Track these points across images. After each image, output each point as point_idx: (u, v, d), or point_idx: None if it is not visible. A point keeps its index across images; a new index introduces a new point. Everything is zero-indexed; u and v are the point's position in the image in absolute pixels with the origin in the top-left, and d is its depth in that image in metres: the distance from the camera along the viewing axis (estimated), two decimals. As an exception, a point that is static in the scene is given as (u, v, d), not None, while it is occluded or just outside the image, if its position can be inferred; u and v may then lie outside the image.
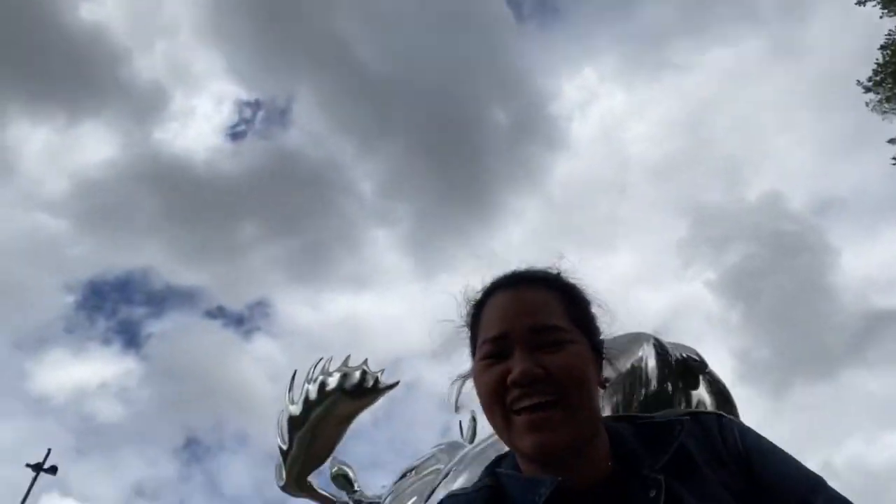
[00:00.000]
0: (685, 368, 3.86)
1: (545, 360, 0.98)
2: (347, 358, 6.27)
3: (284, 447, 6.44)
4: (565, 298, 1.06)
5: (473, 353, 1.10)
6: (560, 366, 0.98)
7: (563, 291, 1.08)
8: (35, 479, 21.66)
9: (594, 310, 1.14)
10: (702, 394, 3.93)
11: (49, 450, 22.96)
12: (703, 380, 3.96)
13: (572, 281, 1.12)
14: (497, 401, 1.00)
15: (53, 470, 22.18)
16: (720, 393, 4.01)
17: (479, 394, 1.05)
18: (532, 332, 0.99)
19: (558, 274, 1.12)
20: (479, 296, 1.11)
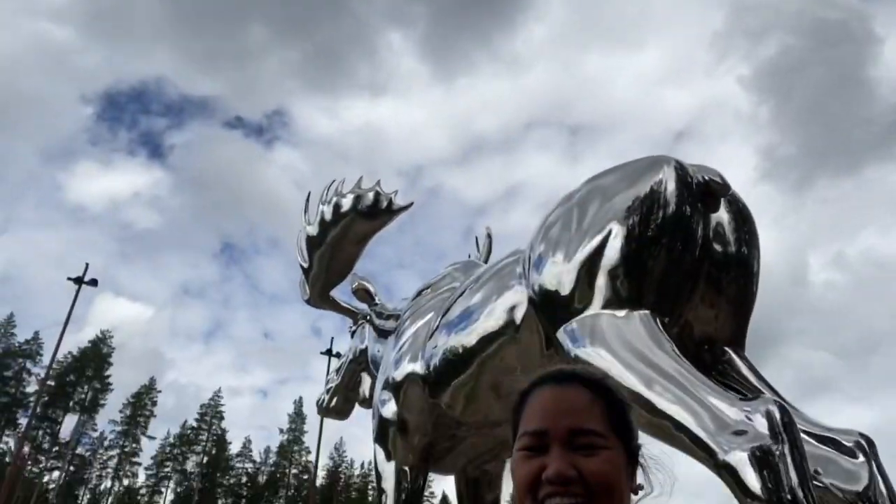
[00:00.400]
0: (707, 190, 3.76)
1: (580, 463, 1.04)
2: (360, 179, 6.20)
3: (305, 265, 6.63)
4: (606, 403, 1.11)
5: (513, 439, 1.17)
6: (593, 471, 1.04)
7: (605, 396, 1.12)
8: (78, 291, 23.18)
9: (633, 416, 1.17)
10: (722, 215, 3.86)
11: (87, 264, 24.24)
12: (725, 201, 3.88)
13: (614, 388, 1.17)
14: (530, 493, 1.07)
15: (94, 283, 23.64)
16: (740, 213, 3.94)
17: (515, 482, 1.13)
18: (570, 433, 1.05)
19: (603, 377, 1.17)
20: (525, 385, 1.18)
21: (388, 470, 5.25)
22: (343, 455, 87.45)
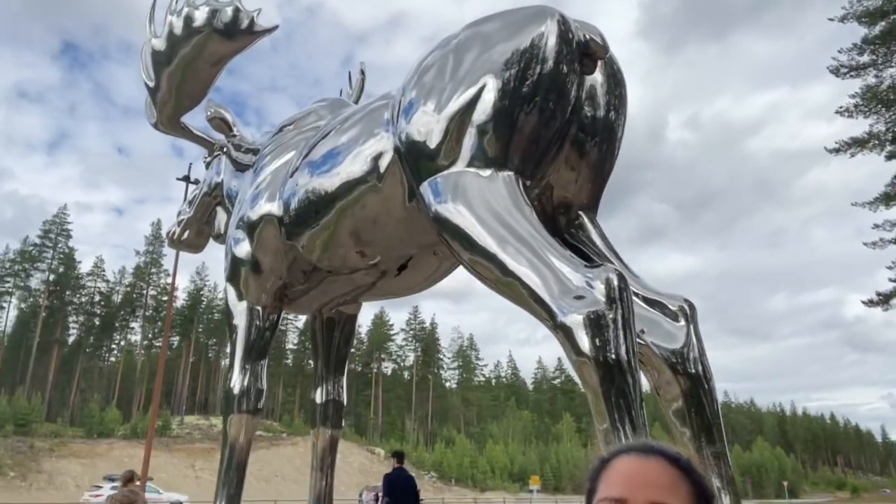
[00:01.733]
0: (586, 51, 3.63)
1: None
2: (217, -10, 5.40)
3: (151, 84, 5.90)
4: (692, 486, 1.05)
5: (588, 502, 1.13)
6: None
7: (691, 478, 1.06)
8: None
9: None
10: (596, 77, 3.78)
11: None
12: (601, 63, 3.78)
13: (702, 473, 1.09)
14: None
15: None
16: (614, 77, 3.88)
17: None
18: None
19: (690, 459, 1.10)
20: (608, 453, 1.11)
21: (240, 308, 5.16)
22: (205, 278, 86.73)
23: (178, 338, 79.63)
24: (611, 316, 2.73)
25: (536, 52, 3.49)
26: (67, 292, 75.85)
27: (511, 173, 3.40)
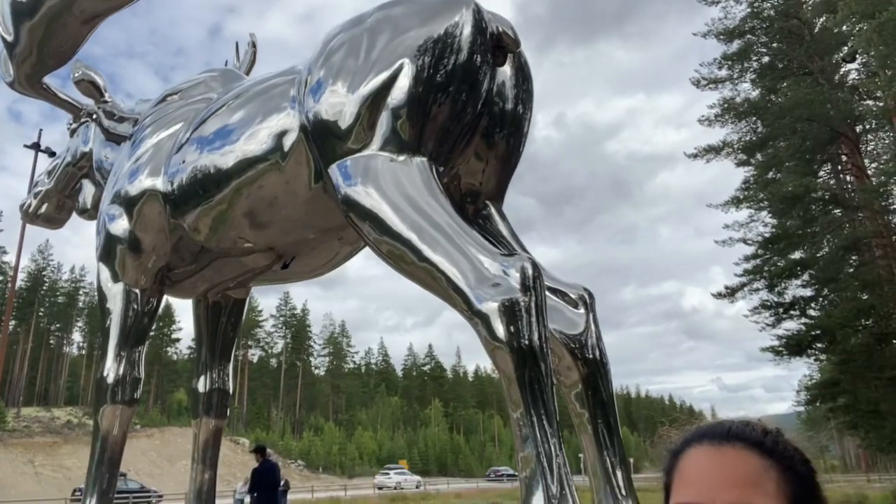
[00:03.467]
0: (498, 43, 3.68)
1: None
2: (93, -61, 4.87)
3: (9, 38, 5.25)
4: (782, 473, 0.89)
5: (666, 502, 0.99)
6: None
7: (780, 462, 0.89)
8: None
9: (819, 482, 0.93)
10: (505, 70, 3.85)
11: None
12: (510, 56, 3.85)
13: (793, 448, 0.91)
14: None
15: None
16: (521, 70, 3.94)
17: None
18: None
19: (777, 434, 0.92)
20: (677, 444, 0.97)
21: (115, 290, 4.74)
22: (49, 258, 78.85)
23: (15, 322, 71.86)
24: (525, 303, 2.81)
25: (451, 40, 3.48)
26: None
27: (425, 159, 3.38)
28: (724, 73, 28.54)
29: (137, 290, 4.76)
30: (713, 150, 28.04)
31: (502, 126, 3.82)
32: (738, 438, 0.92)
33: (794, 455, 0.92)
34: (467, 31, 3.52)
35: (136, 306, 4.75)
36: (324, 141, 3.58)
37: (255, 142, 3.98)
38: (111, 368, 4.65)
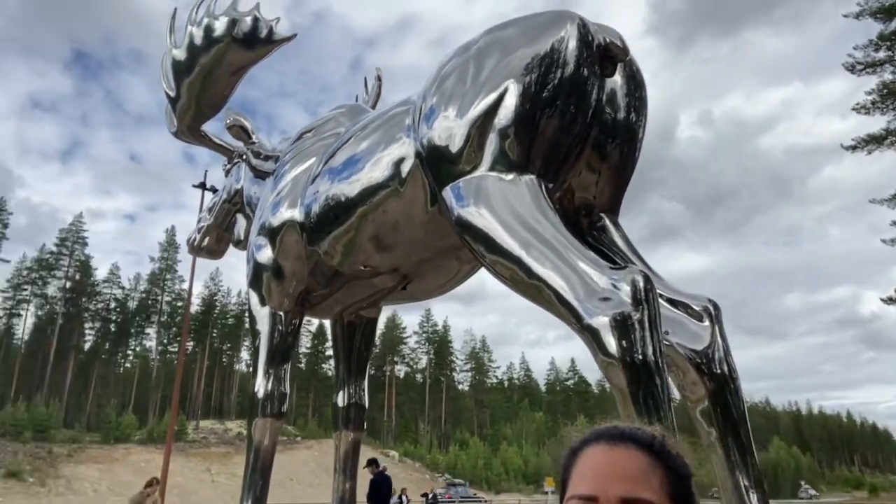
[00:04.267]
0: (605, 54, 3.66)
1: None
2: (235, 0, 5.47)
3: (172, 94, 5.98)
4: (665, 472, 0.99)
5: (561, 498, 1.08)
6: None
7: (665, 463, 1.00)
8: None
9: (693, 485, 1.04)
10: (616, 79, 3.81)
11: None
12: (621, 65, 3.81)
13: (677, 452, 1.02)
14: None
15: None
16: (633, 78, 3.91)
17: None
18: (622, 503, 0.96)
19: (664, 439, 1.03)
20: (576, 443, 1.06)
21: (263, 314, 5.22)
22: (219, 284, 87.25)
23: (192, 343, 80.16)
24: (637, 317, 2.75)
25: (557, 56, 3.52)
26: (83, 299, 76.54)
27: (533, 176, 3.43)
28: (881, 54, 25.62)
29: (281, 313, 5.21)
30: (875, 140, 25.20)
31: (615, 136, 3.78)
32: (629, 440, 1.01)
33: (677, 457, 1.01)
34: (572, 45, 3.54)
35: (280, 327, 5.20)
36: (437, 165, 3.74)
37: (376, 170, 4.24)
38: (261, 385, 5.12)
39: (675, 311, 3.49)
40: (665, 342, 3.35)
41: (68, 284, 74.49)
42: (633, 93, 3.85)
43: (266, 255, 5.15)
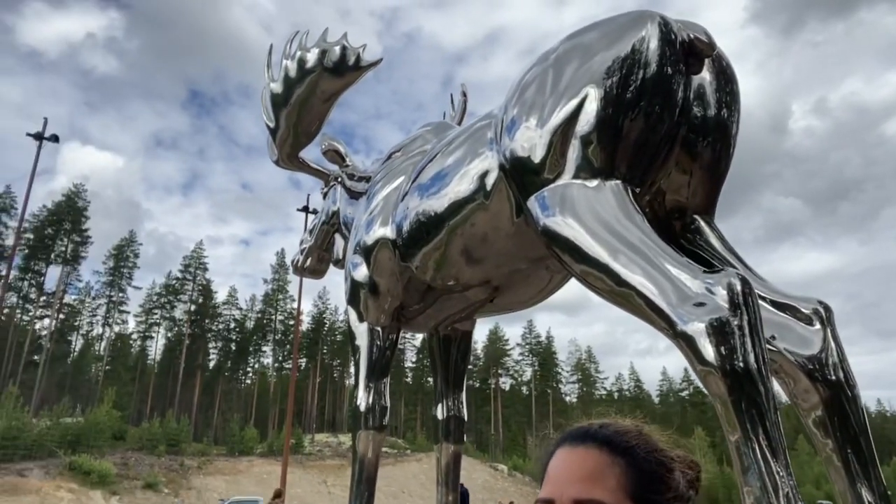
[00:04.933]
0: (690, 50, 3.53)
1: None
2: (325, 32, 5.76)
3: (271, 125, 6.35)
4: (625, 468, 0.97)
5: None
6: None
7: (625, 459, 0.98)
8: (39, 147, 22.33)
9: (671, 481, 1.00)
10: (704, 76, 3.67)
11: (46, 119, 23.19)
12: (708, 60, 3.66)
13: (646, 446, 1.00)
14: None
15: (55, 138, 22.73)
16: (723, 73, 3.74)
17: None
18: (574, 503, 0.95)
19: (628, 433, 1.01)
20: (551, 445, 1.07)
21: (361, 330, 5.40)
22: (326, 302, 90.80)
23: (304, 359, 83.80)
24: (736, 322, 2.62)
25: (638, 57, 3.44)
26: (206, 321, 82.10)
27: (619, 182, 3.35)
28: None
29: (379, 329, 5.37)
30: None
31: (705, 134, 3.63)
32: (591, 438, 1.00)
33: (642, 453, 0.98)
34: (654, 44, 3.45)
35: (378, 343, 5.35)
36: (520, 175, 3.74)
37: (462, 184, 4.30)
38: (362, 398, 5.28)
39: (782, 314, 3.28)
40: (771, 348, 3.16)
41: (192, 307, 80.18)
42: (724, 88, 3.69)
43: (362, 272, 5.33)
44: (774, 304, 3.32)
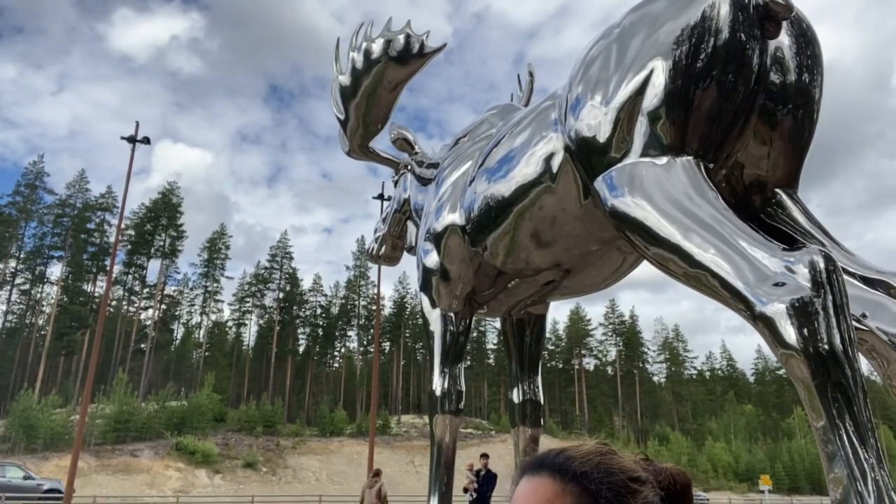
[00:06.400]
0: (766, 14, 3.31)
1: None
2: (389, 21, 5.79)
3: (342, 117, 6.47)
4: (577, 498, 0.92)
5: None
6: None
7: (578, 487, 0.93)
8: (133, 149, 23.77)
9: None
10: (782, 40, 3.44)
11: (137, 123, 24.61)
12: (786, 23, 3.43)
13: (605, 473, 0.94)
14: None
15: (147, 140, 24.11)
16: (803, 36, 3.50)
17: None
18: None
19: (587, 460, 0.95)
20: (515, 477, 1.04)
21: (434, 316, 5.45)
22: (407, 286, 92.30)
23: (388, 343, 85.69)
24: (819, 302, 2.47)
25: (709, 24, 3.27)
26: (294, 308, 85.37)
27: (690, 158, 3.21)
28: None
29: (451, 314, 5.41)
30: None
31: (785, 101, 3.41)
32: (545, 467, 0.95)
33: (598, 477, 0.92)
34: (725, 10, 3.27)
35: (451, 328, 5.40)
36: (586, 156, 3.65)
37: (528, 168, 4.24)
38: (438, 383, 5.35)
39: (874, 291, 3.06)
40: (862, 327, 2.96)
41: (281, 295, 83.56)
42: (804, 51, 3.45)
43: (433, 259, 5.38)
44: (865, 280, 3.10)
